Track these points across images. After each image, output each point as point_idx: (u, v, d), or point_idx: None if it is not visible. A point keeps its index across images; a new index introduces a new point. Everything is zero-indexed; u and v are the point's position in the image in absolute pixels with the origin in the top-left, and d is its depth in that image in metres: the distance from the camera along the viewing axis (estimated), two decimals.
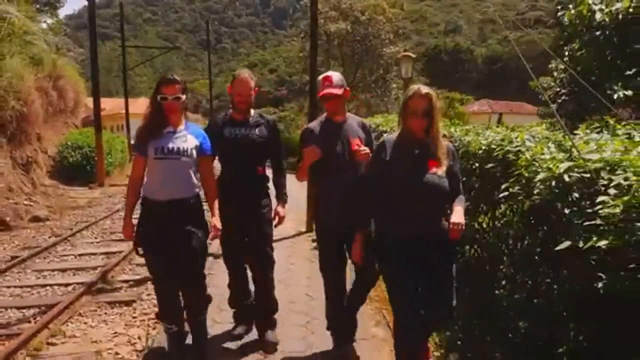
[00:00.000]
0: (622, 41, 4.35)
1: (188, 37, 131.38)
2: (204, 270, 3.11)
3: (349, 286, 3.22)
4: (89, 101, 18.94)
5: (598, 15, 4.40)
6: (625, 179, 2.05)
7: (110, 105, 34.33)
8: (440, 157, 2.53)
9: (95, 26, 13.73)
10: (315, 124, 3.20)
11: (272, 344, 3.33)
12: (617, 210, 1.95)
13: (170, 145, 2.86)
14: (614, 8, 4.28)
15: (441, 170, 2.52)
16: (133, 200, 3.01)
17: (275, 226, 3.34)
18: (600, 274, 2.02)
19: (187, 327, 3.17)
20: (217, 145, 3.15)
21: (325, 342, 3.34)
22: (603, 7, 4.39)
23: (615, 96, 4.43)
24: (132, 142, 21.10)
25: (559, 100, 7.85)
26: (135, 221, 3.01)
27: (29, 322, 4.01)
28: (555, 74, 8.09)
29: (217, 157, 3.25)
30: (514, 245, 3.37)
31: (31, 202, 9.81)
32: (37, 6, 16.52)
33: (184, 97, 2.91)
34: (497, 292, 3.41)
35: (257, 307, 3.46)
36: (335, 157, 3.01)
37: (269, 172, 3.37)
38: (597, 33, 4.42)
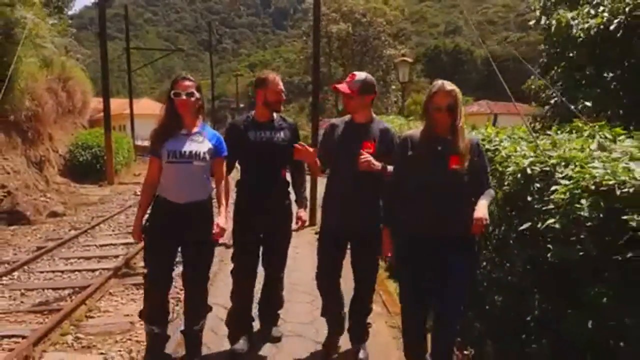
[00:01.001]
0: (594, 54, 4.86)
1: (189, 37, 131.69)
2: (208, 282, 3.14)
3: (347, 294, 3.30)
4: (93, 102, 19.50)
5: (574, 30, 4.90)
6: (572, 170, 2.55)
7: (112, 105, 34.72)
8: (462, 152, 2.51)
9: (106, 29, 14.21)
10: (339, 122, 3.20)
11: (276, 339, 3.45)
12: (564, 196, 2.44)
13: (184, 149, 2.83)
14: (587, 25, 4.79)
15: (462, 167, 2.51)
16: (146, 202, 2.97)
17: (297, 230, 3.37)
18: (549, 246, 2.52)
19: (169, 332, 3.16)
20: (241, 148, 3.16)
21: None
22: (580, 20, 4.90)
23: (580, 106, 4.95)
24: (136, 142, 21.46)
25: (552, 102, 8.37)
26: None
27: (66, 300, 4.53)
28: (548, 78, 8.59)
29: (237, 161, 3.28)
30: (493, 232, 3.87)
31: (47, 199, 10.30)
32: (47, 10, 16.92)
33: (198, 94, 2.88)
34: (478, 271, 3.90)
35: (263, 304, 3.50)
36: (346, 158, 2.96)
37: (288, 176, 3.39)
38: (575, 44, 4.95)
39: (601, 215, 2.24)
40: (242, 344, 3.26)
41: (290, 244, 3.45)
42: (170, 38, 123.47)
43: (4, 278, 5.19)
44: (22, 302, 4.56)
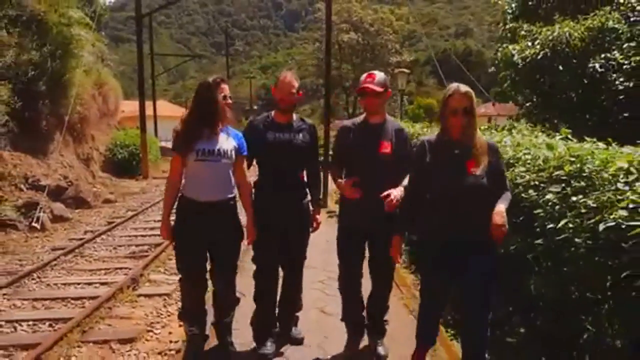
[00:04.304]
0: (529, 75, 6.60)
1: (201, 39, 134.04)
2: (235, 275, 3.16)
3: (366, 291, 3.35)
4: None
5: (515, 57, 6.63)
6: None
7: (130, 107, 36.45)
8: (478, 156, 2.47)
9: (142, 42, 15.97)
10: (351, 123, 3.18)
11: (298, 340, 3.45)
12: None
13: (212, 147, 2.86)
14: (523, 55, 6.52)
15: (480, 170, 2.45)
16: (171, 200, 2.98)
17: (312, 231, 3.36)
18: None
19: (207, 332, 3.23)
20: (259, 149, 3.11)
21: None
22: (519, 50, 6.66)
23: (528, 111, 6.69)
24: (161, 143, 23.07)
25: (525, 106, 10.05)
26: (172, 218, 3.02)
27: (148, 251, 6.21)
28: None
29: (255, 161, 3.24)
30: None
31: (97, 189, 12.03)
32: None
33: None
34: None
35: (282, 306, 3.43)
36: (363, 158, 3.00)
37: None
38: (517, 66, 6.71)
39: None
40: (269, 347, 3.26)
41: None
42: (183, 40, 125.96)
43: (97, 239, 6.94)
44: (116, 252, 6.28)
